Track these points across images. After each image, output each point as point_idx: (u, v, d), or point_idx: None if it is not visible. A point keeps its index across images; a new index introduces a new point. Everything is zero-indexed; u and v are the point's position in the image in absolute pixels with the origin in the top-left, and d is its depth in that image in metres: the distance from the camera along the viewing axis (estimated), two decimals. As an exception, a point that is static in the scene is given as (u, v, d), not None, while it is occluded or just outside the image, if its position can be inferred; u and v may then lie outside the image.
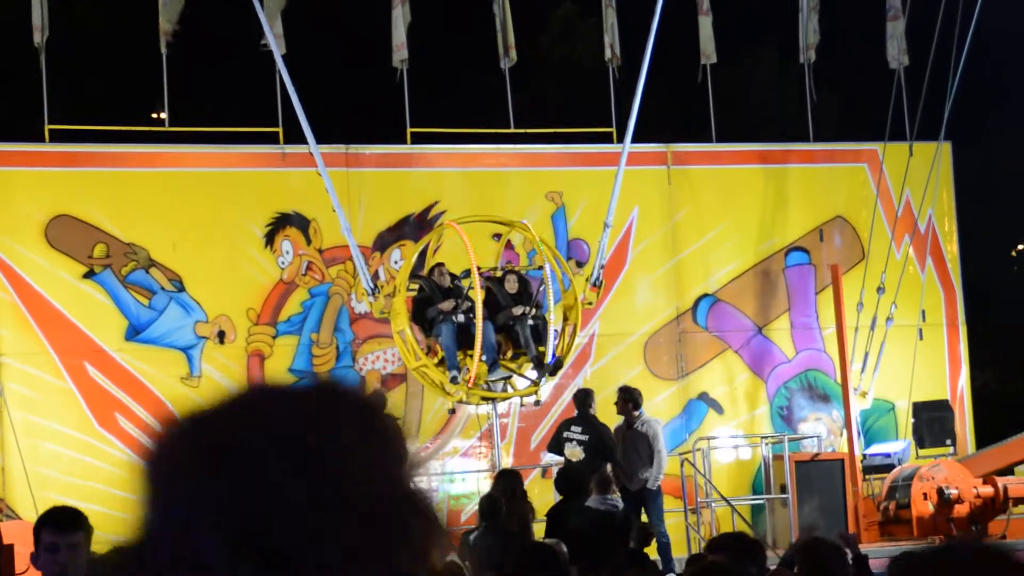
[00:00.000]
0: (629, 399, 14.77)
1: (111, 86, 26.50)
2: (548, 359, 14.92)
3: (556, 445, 14.62)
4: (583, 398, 14.90)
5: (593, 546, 11.66)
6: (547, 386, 16.39)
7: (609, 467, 14.28)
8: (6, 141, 17.54)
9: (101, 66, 26.91)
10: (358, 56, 26.35)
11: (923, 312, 19.59)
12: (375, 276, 17.18)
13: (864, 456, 17.88)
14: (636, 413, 14.75)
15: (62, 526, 5.01)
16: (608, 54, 19.17)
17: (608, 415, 16.36)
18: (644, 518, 14.58)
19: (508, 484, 12.10)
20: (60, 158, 17.27)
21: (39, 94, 17.08)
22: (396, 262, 17.90)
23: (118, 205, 17.20)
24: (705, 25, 19.57)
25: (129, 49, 26.32)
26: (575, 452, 14.38)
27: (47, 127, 17.20)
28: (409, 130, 18.38)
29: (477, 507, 12.38)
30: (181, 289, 17.29)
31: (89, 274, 17.03)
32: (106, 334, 16.98)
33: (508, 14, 18.82)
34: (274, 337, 17.58)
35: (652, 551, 14.56)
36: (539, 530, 12.94)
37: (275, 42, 16.54)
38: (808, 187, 19.78)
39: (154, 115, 24.05)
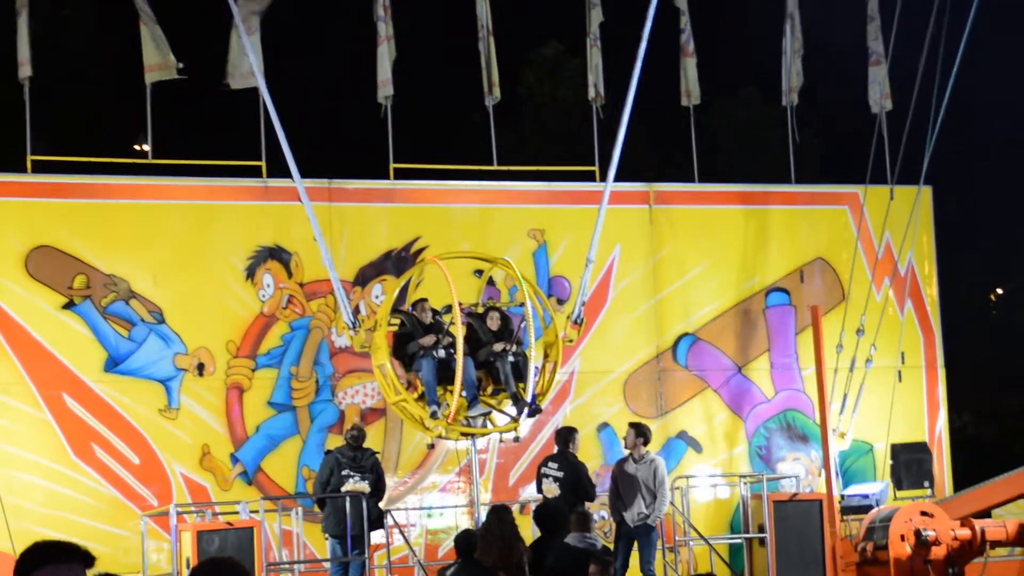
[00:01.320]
0: (640, 435, 14.88)
1: (94, 117, 26.53)
2: (528, 397, 14.91)
3: (538, 483, 14.68)
4: (564, 435, 14.94)
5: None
6: (527, 422, 16.38)
7: (592, 504, 14.32)
8: (-12, 171, 17.53)
9: (84, 97, 26.94)
10: (342, 92, 26.46)
11: (902, 354, 19.66)
12: (356, 310, 17.18)
13: (842, 497, 17.89)
14: (644, 450, 14.83)
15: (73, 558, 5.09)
16: (592, 93, 19.25)
17: (588, 453, 16.36)
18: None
19: (498, 520, 12.06)
20: (42, 189, 17.26)
21: (22, 124, 17.09)
22: (377, 297, 17.91)
23: (99, 236, 17.18)
24: (690, 67, 19.68)
25: (112, 81, 26.40)
26: (551, 489, 14.41)
27: (29, 157, 17.19)
28: (392, 166, 18.42)
29: (454, 543, 12.35)
30: (161, 321, 17.26)
31: (69, 305, 16.99)
32: (85, 365, 16.93)
33: (493, 52, 18.90)
34: (253, 370, 17.55)
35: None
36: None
37: (262, 78, 16.57)
38: (789, 228, 19.87)
39: (137, 147, 24.07)
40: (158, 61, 17.47)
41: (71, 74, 25.19)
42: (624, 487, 14.70)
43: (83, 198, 17.28)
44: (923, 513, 15.98)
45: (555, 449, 15.04)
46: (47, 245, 16.98)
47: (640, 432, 14.95)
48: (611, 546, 14.19)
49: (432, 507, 17.78)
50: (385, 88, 18.29)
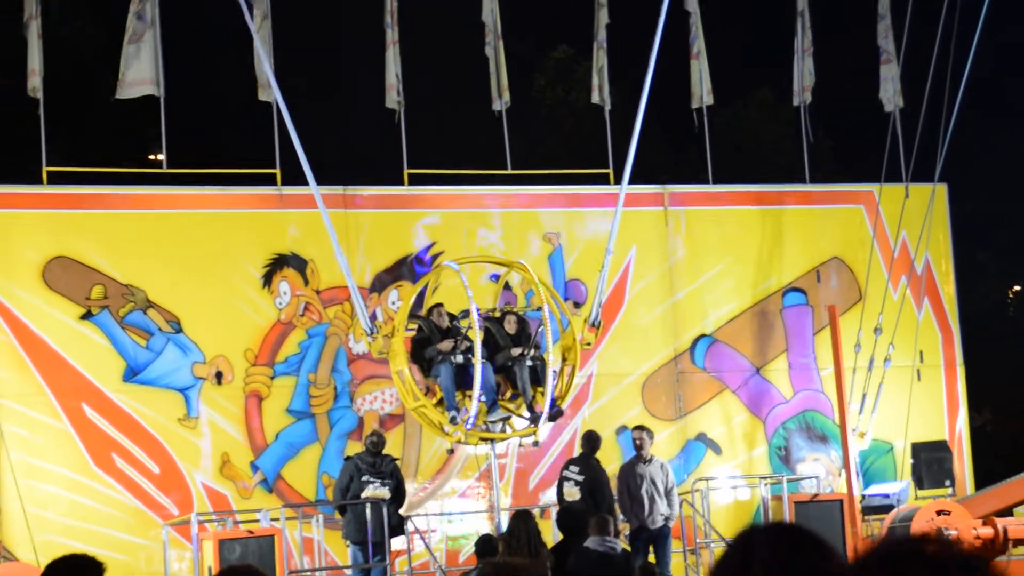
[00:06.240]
0: (651, 437, 14.90)
1: (109, 128, 26.57)
2: (547, 402, 14.88)
3: (559, 486, 14.65)
4: (589, 440, 14.89)
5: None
6: (546, 427, 16.37)
7: (616, 507, 14.30)
8: (4, 183, 17.55)
9: (99, 108, 26.98)
10: (356, 98, 26.47)
11: (920, 353, 19.60)
12: (373, 316, 17.18)
13: (863, 497, 17.84)
14: (650, 453, 14.83)
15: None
16: (596, 96, 19.24)
17: (607, 457, 16.31)
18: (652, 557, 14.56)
19: (524, 525, 12.06)
20: (58, 200, 17.29)
21: (37, 136, 17.12)
22: (394, 303, 17.91)
23: (116, 246, 17.21)
24: (696, 69, 19.66)
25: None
26: (572, 492, 14.40)
27: (45, 169, 17.22)
28: (406, 171, 18.43)
29: (475, 547, 12.35)
30: (179, 330, 17.28)
31: (87, 315, 17.02)
32: (104, 375, 16.95)
33: (502, 56, 18.90)
34: (272, 378, 17.56)
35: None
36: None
37: (276, 86, 16.58)
38: (805, 228, 19.83)
39: (152, 157, 24.11)
40: (150, 76, 17.37)
41: (86, 84, 25.23)
42: (635, 489, 14.65)
43: (99, 208, 17.31)
44: (940, 512, 15.92)
45: (577, 452, 15.02)
46: (64, 256, 17.01)
47: (650, 435, 15.02)
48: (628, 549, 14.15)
49: (452, 512, 17.77)
50: (391, 93, 18.31)
